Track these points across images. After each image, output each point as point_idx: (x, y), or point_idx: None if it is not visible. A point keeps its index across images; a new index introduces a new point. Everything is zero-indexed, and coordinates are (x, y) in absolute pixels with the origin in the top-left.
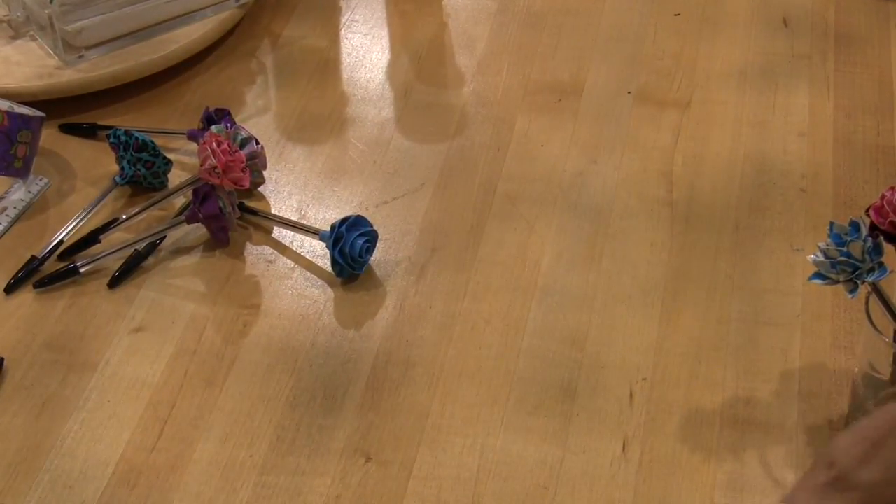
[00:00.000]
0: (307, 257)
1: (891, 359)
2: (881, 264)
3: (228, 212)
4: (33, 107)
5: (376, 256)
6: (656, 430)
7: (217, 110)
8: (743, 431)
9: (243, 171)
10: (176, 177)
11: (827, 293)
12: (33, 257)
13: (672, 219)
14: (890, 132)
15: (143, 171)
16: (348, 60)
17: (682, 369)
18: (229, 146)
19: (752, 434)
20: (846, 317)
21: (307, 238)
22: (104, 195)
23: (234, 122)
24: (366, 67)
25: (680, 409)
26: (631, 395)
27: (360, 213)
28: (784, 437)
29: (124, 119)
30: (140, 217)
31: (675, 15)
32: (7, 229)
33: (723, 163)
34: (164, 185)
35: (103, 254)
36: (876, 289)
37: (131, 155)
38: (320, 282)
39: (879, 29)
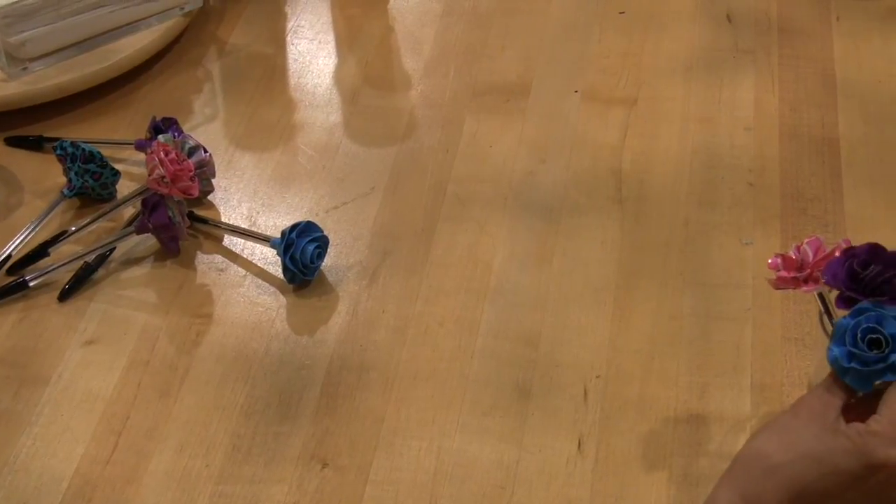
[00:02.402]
0: (258, 265)
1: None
2: None
3: (178, 221)
4: None
5: (328, 262)
6: (611, 426)
7: (164, 119)
8: (697, 425)
9: (192, 179)
10: (124, 187)
11: None
12: None
13: (622, 216)
14: (834, 125)
15: (91, 183)
16: (295, 66)
17: (636, 366)
18: (177, 155)
19: (707, 427)
20: (796, 309)
21: (258, 245)
22: (52, 208)
23: (182, 131)
24: (313, 73)
25: (634, 406)
26: (585, 392)
27: (310, 219)
28: (738, 429)
29: (71, 130)
30: (89, 229)
31: (620, 13)
32: None
33: (671, 159)
34: (112, 196)
35: (53, 267)
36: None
37: (79, 166)
38: (272, 289)
39: (821, 23)
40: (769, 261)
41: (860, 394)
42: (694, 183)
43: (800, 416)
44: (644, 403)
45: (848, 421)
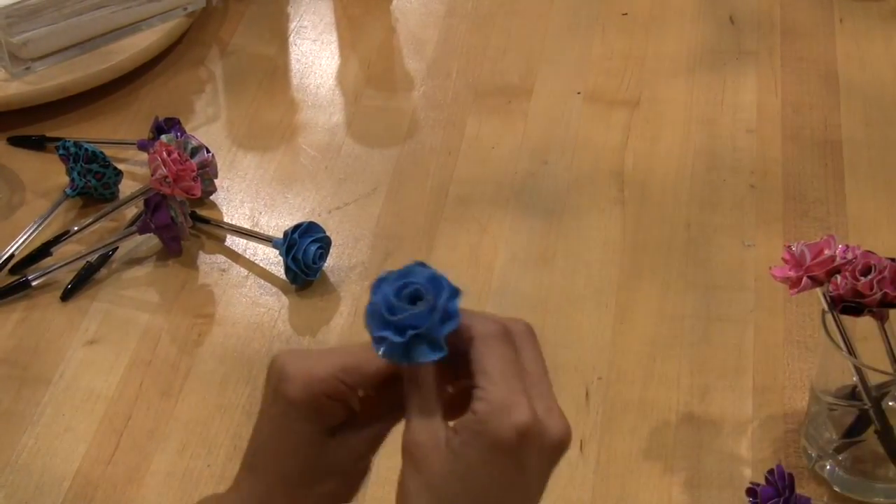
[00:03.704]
0: (260, 265)
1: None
2: None
3: (180, 221)
4: None
5: (330, 262)
6: (613, 428)
7: (167, 119)
8: (699, 427)
9: (194, 179)
10: (127, 187)
11: (779, 288)
12: None
13: (624, 218)
14: (837, 126)
15: (93, 183)
16: (297, 67)
17: (637, 367)
18: (180, 155)
19: (708, 429)
20: (798, 311)
21: (260, 246)
22: (55, 207)
23: (185, 131)
24: (315, 73)
25: (636, 407)
26: (587, 394)
27: (312, 220)
28: (740, 431)
29: (73, 130)
30: (91, 228)
31: (623, 14)
32: None
33: (673, 161)
34: (114, 195)
35: (55, 266)
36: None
37: (81, 166)
38: (274, 289)
39: (824, 24)
40: (773, 270)
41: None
42: (696, 185)
43: (421, 467)
44: (645, 405)
45: (454, 419)
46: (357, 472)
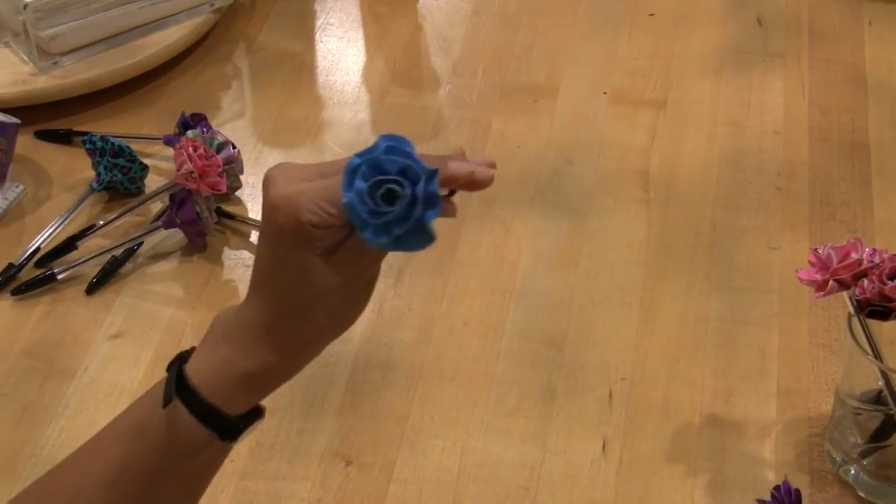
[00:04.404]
0: None
1: (870, 378)
2: None
3: (205, 216)
4: (8, 114)
5: None
6: (636, 429)
7: (193, 115)
8: (722, 430)
9: (220, 175)
10: (152, 182)
11: (804, 291)
12: (10, 264)
13: (649, 219)
14: (864, 129)
15: (119, 177)
16: (324, 64)
17: (661, 369)
18: (205, 151)
19: (732, 432)
20: (824, 314)
21: None
22: (81, 201)
23: (210, 127)
24: (341, 71)
25: (659, 409)
26: (610, 395)
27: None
28: (763, 434)
29: (100, 125)
30: (117, 223)
31: (650, 15)
32: None
33: (699, 162)
34: (140, 190)
35: (80, 260)
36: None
37: (107, 161)
38: None
39: (852, 26)
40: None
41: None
42: (721, 186)
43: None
44: (669, 407)
45: None
46: (359, 286)
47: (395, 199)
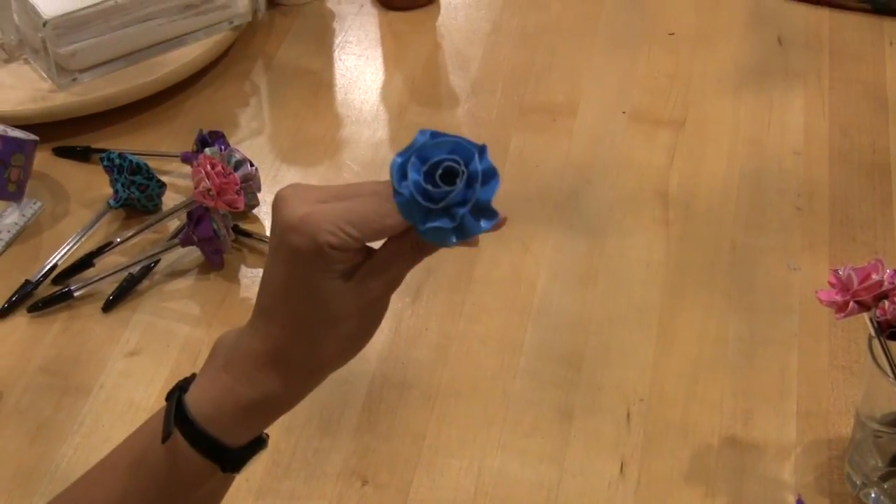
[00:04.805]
0: None
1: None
2: None
3: (223, 234)
4: (27, 130)
5: None
6: (654, 450)
7: (211, 132)
8: (741, 451)
9: (237, 193)
10: (170, 199)
11: (824, 312)
12: (27, 281)
13: (668, 238)
14: (885, 149)
15: (136, 194)
16: (342, 82)
17: (680, 389)
18: (223, 168)
19: (751, 454)
20: (844, 336)
21: None
22: (98, 218)
23: (228, 145)
24: (360, 88)
25: (677, 430)
26: (628, 415)
27: None
28: (783, 456)
29: (118, 142)
30: (134, 240)
31: (670, 34)
32: (0, 253)
33: (718, 182)
34: (157, 207)
35: (97, 277)
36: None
37: (125, 178)
38: None
39: (873, 46)
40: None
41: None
42: (741, 206)
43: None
44: (687, 428)
45: None
46: (374, 313)
47: (455, 177)
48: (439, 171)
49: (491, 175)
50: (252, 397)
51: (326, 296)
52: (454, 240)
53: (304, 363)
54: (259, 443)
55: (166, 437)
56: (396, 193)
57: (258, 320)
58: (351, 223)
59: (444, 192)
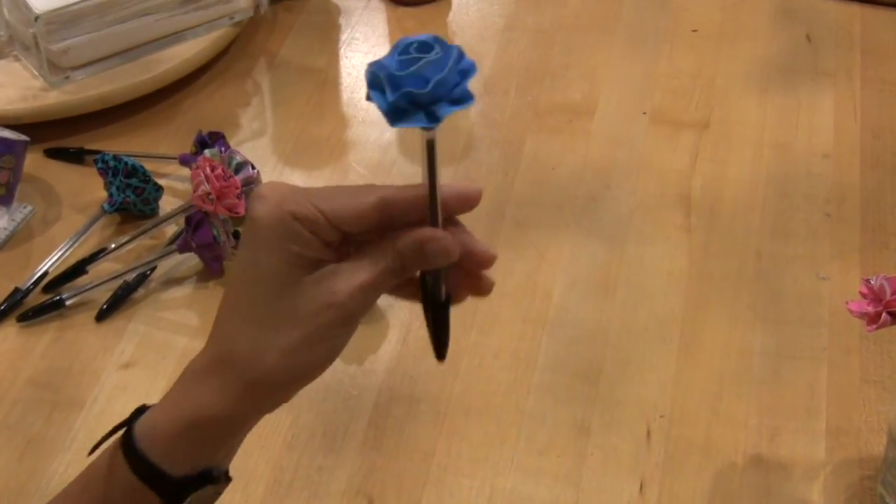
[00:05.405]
0: None
1: None
2: None
3: (223, 240)
4: (17, 130)
5: None
6: (675, 470)
7: (211, 133)
8: (767, 471)
9: (238, 197)
10: (167, 204)
11: (855, 324)
12: (17, 289)
13: (690, 246)
14: None
15: (132, 198)
16: (348, 80)
17: (702, 406)
18: (223, 171)
19: (777, 474)
20: (876, 349)
21: None
22: (92, 223)
23: (229, 146)
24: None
25: (700, 448)
26: (648, 433)
27: None
28: (811, 476)
29: (113, 143)
30: (129, 246)
31: (693, 31)
32: None
33: (743, 186)
34: (154, 212)
35: (91, 285)
36: None
37: (120, 181)
38: None
39: None
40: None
41: None
42: (768, 212)
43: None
44: (710, 446)
45: None
46: (329, 332)
47: (430, 49)
48: (414, 45)
49: (469, 67)
50: (185, 415)
51: (279, 282)
52: (419, 120)
53: (241, 373)
54: (208, 478)
55: (91, 450)
56: (370, 74)
57: (213, 326)
58: (323, 198)
59: (417, 57)
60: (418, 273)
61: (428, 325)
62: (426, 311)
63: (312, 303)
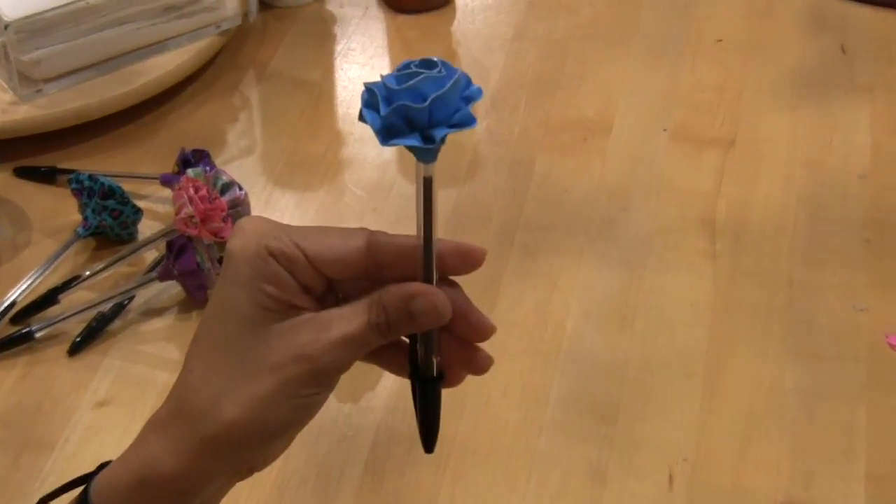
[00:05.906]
0: None
1: None
2: None
3: (207, 267)
4: None
5: None
6: None
7: (194, 152)
8: None
9: (224, 220)
10: (147, 228)
11: None
12: None
13: (715, 273)
14: None
15: (109, 221)
16: (344, 94)
17: (729, 448)
18: (208, 192)
19: None
20: None
21: None
22: (64, 249)
23: (214, 166)
24: None
25: (727, 495)
26: (670, 478)
27: None
28: None
29: (88, 162)
30: (105, 274)
31: (717, 41)
32: None
33: (773, 209)
34: (133, 237)
35: (63, 316)
36: None
37: (96, 203)
38: None
39: None
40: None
41: None
42: (799, 237)
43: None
44: (739, 493)
45: None
46: (295, 389)
47: (433, 67)
48: (415, 62)
49: (474, 92)
50: (136, 468)
51: (248, 325)
52: (412, 138)
53: (195, 426)
54: None
55: (40, 501)
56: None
57: (183, 369)
58: (305, 236)
59: (416, 72)
60: (408, 340)
61: (415, 406)
62: (413, 388)
63: (279, 353)
